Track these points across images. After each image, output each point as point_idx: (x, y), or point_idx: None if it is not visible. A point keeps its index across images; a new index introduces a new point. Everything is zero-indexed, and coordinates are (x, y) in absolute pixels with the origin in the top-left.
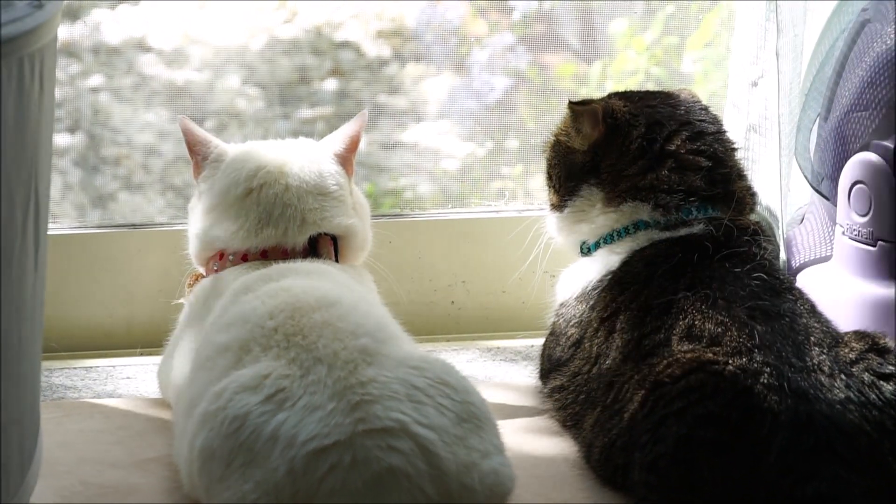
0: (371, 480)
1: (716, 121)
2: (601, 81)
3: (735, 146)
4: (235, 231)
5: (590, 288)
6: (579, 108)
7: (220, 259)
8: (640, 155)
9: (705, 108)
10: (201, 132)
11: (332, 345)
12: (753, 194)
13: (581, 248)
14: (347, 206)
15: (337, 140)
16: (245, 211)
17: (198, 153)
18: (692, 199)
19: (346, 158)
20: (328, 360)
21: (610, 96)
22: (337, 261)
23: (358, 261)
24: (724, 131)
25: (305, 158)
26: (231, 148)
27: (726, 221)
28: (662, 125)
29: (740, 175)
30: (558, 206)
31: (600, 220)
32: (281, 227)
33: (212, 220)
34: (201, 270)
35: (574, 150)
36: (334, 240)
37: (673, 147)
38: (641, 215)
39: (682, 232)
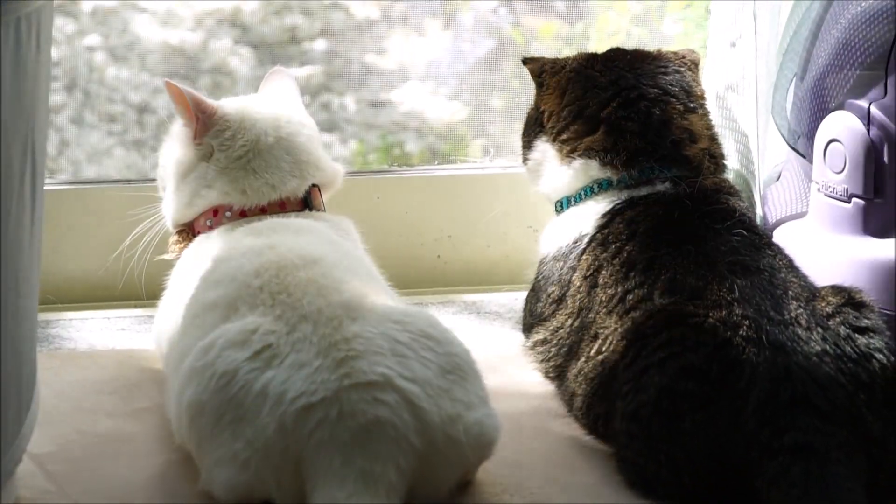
0: (358, 432)
1: (669, 85)
2: (583, 42)
3: (689, 108)
4: (260, 184)
5: (565, 248)
6: (525, 63)
7: (214, 215)
8: (573, 120)
9: (676, 72)
10: (195, 91)
11: (316, 301)
12: (715, 156)
13: (555, 207)
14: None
15: (296, 95)
16: (276, 160)
17: (203, 111)
18: (641, 158)
19: None
20: (313, 317)
21: (582, 56)
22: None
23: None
24: (673, 94)
25: (300, 108)
26: (224, 103)
27: (699, 181)
28: (597, 92)
29: (693, 138)
30: (523, 160)
31: (557, 175)
32: (299, 177)
33: (232, 176)
34: (171, 228)
35: (535, 106)
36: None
37: (604, 114)
38: (595, 172)
39: (644, 191)
